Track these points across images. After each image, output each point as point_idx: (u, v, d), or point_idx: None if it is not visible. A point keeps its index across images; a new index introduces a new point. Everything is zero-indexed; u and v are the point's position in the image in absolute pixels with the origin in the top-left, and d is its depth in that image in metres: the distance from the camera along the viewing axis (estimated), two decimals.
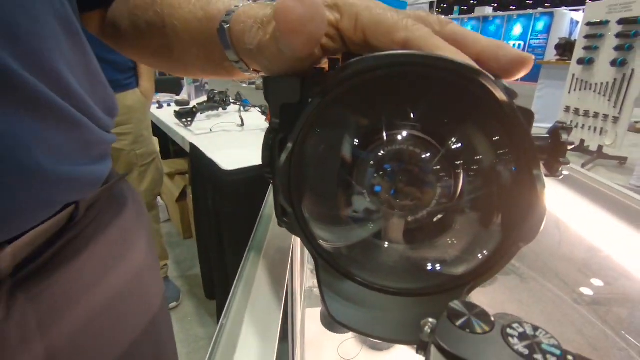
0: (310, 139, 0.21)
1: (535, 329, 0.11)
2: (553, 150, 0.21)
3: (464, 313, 0.12)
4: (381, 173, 0.20)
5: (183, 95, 2.27)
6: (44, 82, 0.22)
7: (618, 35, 3.15)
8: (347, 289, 0.22)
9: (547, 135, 0.21)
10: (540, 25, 10.45)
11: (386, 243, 0.22)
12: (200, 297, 1.62)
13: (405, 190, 0.20)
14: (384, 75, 0.19)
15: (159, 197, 2.35)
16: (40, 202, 0.24)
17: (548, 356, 0.10)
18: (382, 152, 0.20)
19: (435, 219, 0.21)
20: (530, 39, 10.74)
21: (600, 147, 3.58)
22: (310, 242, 0.23)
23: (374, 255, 0.23)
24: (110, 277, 0.32)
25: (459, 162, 0.20)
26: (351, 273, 0.22)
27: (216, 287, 1.45)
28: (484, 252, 0.20)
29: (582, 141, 3.78)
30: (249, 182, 1.15)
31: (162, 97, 2.35)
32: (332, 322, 0.45)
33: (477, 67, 0.17)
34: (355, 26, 0.21)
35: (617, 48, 3.15)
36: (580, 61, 3.48)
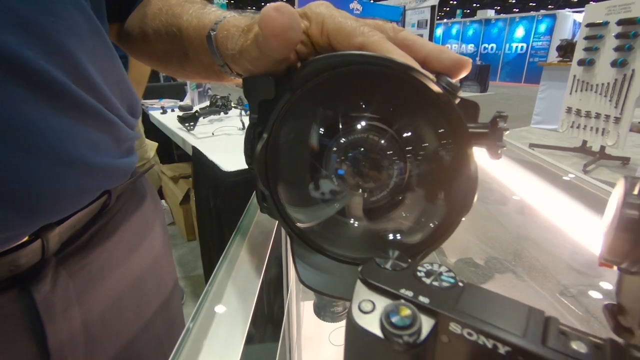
0: (282, 130, 0.24)
1: (441, 266, 0.14)
2: (492, 136, 0.24)
3: (388, 257, 0.15)
4: (343, 158, 0.24)
5: (186, 101, 2.32)
6: (85, 90, 0.27)
7: (618, 36, 3.16)
8: (318, 261, 0.25)
9: (488, 124, 0.24)
10: (542, 27, 10.45)
11: (351, 220, 0.25)
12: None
13: (365, 173, 0.24)
14: (344, 74, 0.22)
15: (162, 201, 2.40)
16: (83, 188, 0.29)
17: (444, 283, 0.13)
18: (343, 139, 0.24)
19: (389, 196, 0.24)
20: (532, 41, 10.74)
21: (602, 148, 3.58)
22: (285, 221, 0.26)
23: (341, 231, 0.26)
24: (133, 260, 0.38)
25: (409, 148, 0.23)
26: (322, 248, 0.26)
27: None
28: (433, 223, 0.23)
29: (584, 142, 3.78)
30: (249, 182, 1.18)
31: (167, 102, 2.40)
32: (323, 312, 0.49)
33: (412, 65, 0.20)
34: (321, 32, 0.24)
35: (617, 49, 3.16)
36: (580, 62, 3.49)
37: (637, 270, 0.17)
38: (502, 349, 0.11)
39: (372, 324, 0.13)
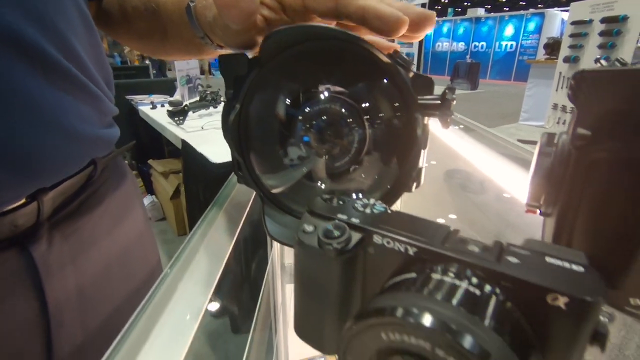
0: (253, 102, 0.27)
1: (377, 201, 0.17)
2: (443, 106, 0.26)
3: (333, 193, 0.18)
4: (308, 126, 0.26)
5: (176, 97, 2.33)
6: (74, 65, 0.30)
7: (601, 34, 3.23)
8: (286, 220, 0.28)
9: (439, 96, 0.27)
10: (531, 26, 10.59)
11: (318, 182, 0.28)
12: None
13: (328, 139, 0.26)
14: (306, 49, 0.25)
15: (153, 196, 2.40)
16: (73, 155, 0.32)
17: (375, 211, 0.16)
18: (308, 109, 0.26)
19: (349, 159, 0.26)
20: (522, 40, 10.88)
21: None
22: (258, 186, 0.28)
23: (308, 193, 0.28)
24: (120, 231, 0.41)
25: (367, 117, 0.26)
26: (291, 210, 0.28)
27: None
28: (389, 183, 0.26)
29: None
30: None
31: (156, 98, 2.41)
32: None
33: (360, 37, 0.23)
34: None
35: (600, 46, 3.24)
36: (566, 59, 3.57)
37: (551, 212, 0.20)
38: (411, 251, 0.14)
39: (311, 240, 0.15)
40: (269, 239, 0.62)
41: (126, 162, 0.47)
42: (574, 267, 0.12)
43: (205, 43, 0.32)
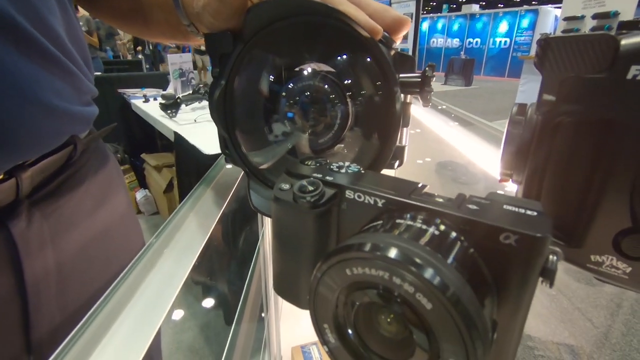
0: (237, 79, 0.27)
1: (351, 163, 0.18)
2: (423, 84, 0.27)
3: (311, 157, 0.19)
4: (292, 102, 0.27)
5: (169, 90, 2.31)
6: (49, 41, 0.30)
7: (593, 29, 3.26)
8: (270, 195, 0.28)
9: (419, 74, 0.28)
10: (525, 23, 10.63)
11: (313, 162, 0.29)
12: (186, 283, 1.67)
13: (311, 114, 0.27)
14: (288, 25, 0.25)
15: (146, 190, 2.39)
16: (50, 130, 0.32)
17: (349, 170, 0.17)
18: (291, 85, 0.27)
19: (332, 135, 0.27)
20: (516, 36, 10.92)
21: None
22: (242, 161, 0.29)
23: None
24: (102, 213, 0.41)
25: (349, 93, 0.27)
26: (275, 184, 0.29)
27: (203, 273, 1.51)
28: (371, 157, 0.27)
29: None
30: None
31: (149, 92, 2.39)
32: None
33: (339, 9, 0.23)
34: None
35: None
36: None
37: (521, 180, 0.21)
38: (380, 202, 0.15)
39: (287, 196, 0.16)
40: (259, 225, 0.63)
41: (119, 155, 0.47)
42: (528, 212, 0.13)
43: (191, 31, 0.32)
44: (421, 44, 13.09)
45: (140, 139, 2.50)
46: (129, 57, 5.01)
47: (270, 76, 0.27)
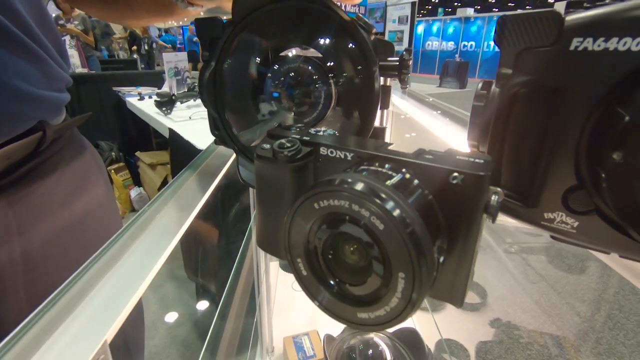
0: (227, 61, 0.29)
1: (328, 129, 0.20)
2: (401, 67, 0.29)
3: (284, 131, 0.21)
4: (277, 82, 0.29)
5: (164, 88, 2.32)
6: (12, 22, 0.30)
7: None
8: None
9: (397, 59, 0.29)
10: None
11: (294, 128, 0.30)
12: (180, 279, 1.68)
13: (295, 94, 0.29)
14: (275, 9, 0.27)
15: (141, 188, 2.40)
16: (15, 114, 0.32)
17: (325, 133, 0.19)
18: (277, 66, 0.29)
19: (317, 114, 0.29)
20: None
21: None
22: (232, 140, 0.31)
23: None
24: (76, 203, 0.40)
25: (331, 75, 0.28)
26: None
27: (195, 268, 1.52)
28: (352, 134, 0.28)
29: None
30: None
31: (144, 90, 2.40)
32: (286, 265, 0.55)
33: None
34: None
35: None
36: None
37: (486, 151, 0.23)
38: (350, 156, 0.16)
39: (267, 153, 0.18)
40: (252, 209, 0.64)
41: (113, 153, 0.47)
42: (476, 160, 0.15)
43: (176, 2, 0.33)
44: (416, 47, 13.17)
45: (135, 137, 2.51)
46: (122, 55, 5.00)
47: (257, 58, 0.29)
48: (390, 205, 0.13)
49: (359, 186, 0.13)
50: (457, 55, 11.86)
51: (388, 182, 0.14)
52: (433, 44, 13.23)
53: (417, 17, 4.58)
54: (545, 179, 0.20)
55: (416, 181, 0.15)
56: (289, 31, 0.28)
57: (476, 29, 11.92)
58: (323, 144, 0.17)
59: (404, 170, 0.15)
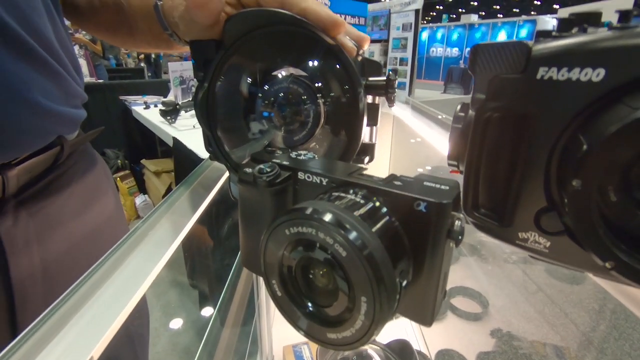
0: (220, 81, 0.30)
1: (309, 153, 0.21)
2: (387, 86, 0.30)
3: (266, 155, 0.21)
4: (267, 102, 0.30)
5: (170, 97, 2.35)
6: (36, 42, 0.32)
7: None
8: None
9: (385, 78, 0.30)
10: (523, 32, 10.75)
11: (277, 152, 0.31)
12: (183, 286, 1.69)
13: (284, 114, 0.30)
14: (265, 33, 0.28)
15: (146, 196, 2.42)
16: (37, 129, 0.34)
17: (305, 157, 0.20)
18: (267, 87, 0.30)
19: (306, 133, 0.30)
20: None
21: None
22: (224, 157, 0.32)
23: None
24: (88, 214, 0.42)
25: (319, 95, 0.29)
26: None
27: (198, 276, 1.53)
28: (339, 152, 0.29)
29: None
30: None
31: (150, 99, 2.43)
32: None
33: (306, 21, 0.26)
34: None
35: None
36: None
37: (462, 171, 0.24)
38: (324, 181, 0.17)
39: (249, 177, 0.19)
40: None
41: (119, 161, 0.49)
42: (442, 186, 0.16)
43: (173, 39, 0.35)
44: (420, 53, 13.21)
45: (141, 145, 2.54)
46: (130, 62, 5.08)
47: (248, 79, 0.30)
48: (352, 235, 0.13)
49: (327, 217, 0.14)
50: (461, 62, 11.86)
51: (356, 212, 0.15)
52: (437, 50, 13.26)
53: (422, 23, 4.62)
54: (518, 200, 0.21)
55: (384, 209, 0.15)
56: (277, 54, 0.29)
57: (480, 35, 11.93)
58: (301, 169, 0.18)
59: (374, 198, 0.16)
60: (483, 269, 1.39)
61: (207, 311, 1.48)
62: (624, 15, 0.20)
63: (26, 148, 0.33)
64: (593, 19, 0.20)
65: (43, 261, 0.36)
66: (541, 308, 1.45)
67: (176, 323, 1.56)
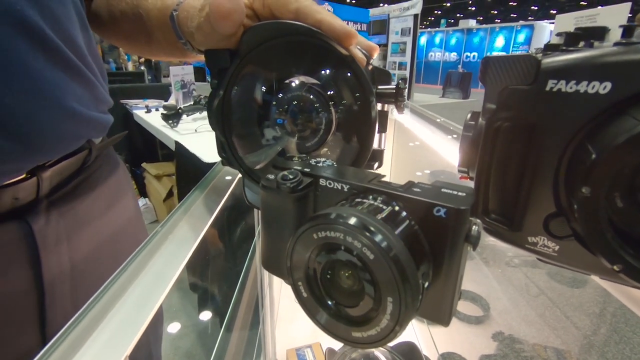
0: (234, 90, 0.31)
1: (327, 160, 0.21)
2: (397, 94, 0.31)
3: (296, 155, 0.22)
4: (281, 110, 0.31)
5: (171, 101, 2.37)
6: (71, 51, 0.33)
7: None
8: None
9: (394, 87, 0.31)
10: (521, 37, 10.84)
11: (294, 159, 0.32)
12: (184, 290, 1.69)
13: (297, 121, 0.31)
14: (279, 43, 0.29)
15: (146, 199, 2.43)
16: (70, 133, 0.35)
17: (324, 164, 0.21)
18: (281, 95, 0.31)
19: (318, 139, 0.31)
20: (512, 51, 11.10)
21: None
22: (238, 162, 0.33)
23: None
24: (112, 215, 0.44)
25: (332, 102, 0.30)
26: None
27: (198, 279, 1.53)
28: (351, 158, 0.30)
29: None
30: None
31: (151, 102, 2.44)
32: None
33: (320, 32, 0.27)
34: (263, 5, 0.30)
35: None
36: None
37: (473, 177, 0.25)
38: (345, 187, 0.18)
39: (272, 184, 0.20)
40: (256, 225, 0.66)
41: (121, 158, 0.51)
42: (459, 193, 0.17)
43: (187, 48, 0.36)
44: (419, 58, 13.28)
45: (142, 149, 2.55)
46: (130, 66, 5.10)
47: (263, 87, 0.31)
48: (378, 238, 0.14)
49: (352, 220, 0.15)
50: (459, 66, 11.93)
51: (378, 216, 0.15)
52: (436, 55, 13.35)
53: (420, 27, 4.65)
54: (527, 205, 0.21)
55: (404, 213, 0.16)
56: (291, 63, 0.30)
57: (478, 40, 12.02)
58: (322, 176, 0.19)
59: (394, 203, 0.17)
60: (484, 272, 1.40)
61: (207, 316, 1.48)
62: (627, 30, 0.21)
63: (60, 151, 0.35)
64: (598, 34, 0.21)
65: (71, 260, 0.37)
66: (542, 311, 1.45)
67: (174, 327, 1.56)
